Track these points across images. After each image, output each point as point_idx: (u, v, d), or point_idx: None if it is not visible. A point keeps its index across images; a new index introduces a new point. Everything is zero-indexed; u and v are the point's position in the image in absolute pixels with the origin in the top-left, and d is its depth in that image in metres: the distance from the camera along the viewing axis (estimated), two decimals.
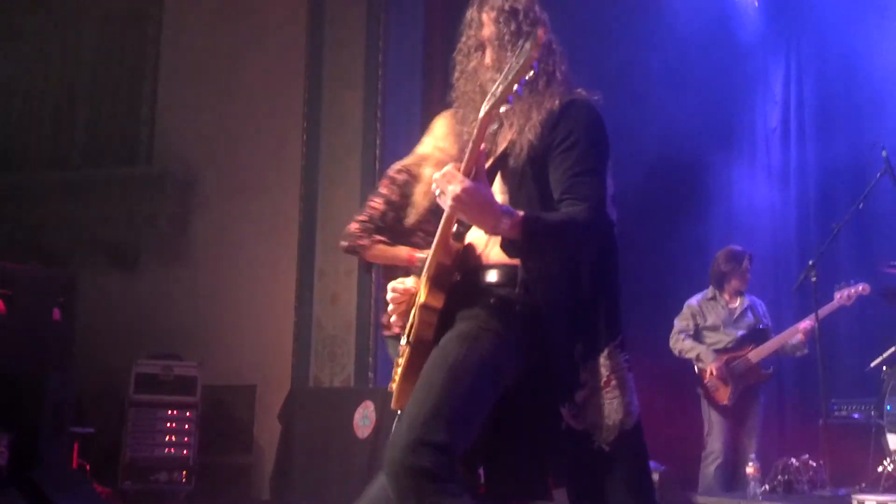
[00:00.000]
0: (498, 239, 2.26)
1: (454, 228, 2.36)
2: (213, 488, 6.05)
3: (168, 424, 6.03)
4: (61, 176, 7.66)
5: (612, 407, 2.24)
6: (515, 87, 2.18)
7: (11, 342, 6.09)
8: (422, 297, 2.33)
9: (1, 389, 5.88)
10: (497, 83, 2.22)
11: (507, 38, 2.43)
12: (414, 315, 2.36)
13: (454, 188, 2.16)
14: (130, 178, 7.52)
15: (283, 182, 6.99)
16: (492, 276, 2.34)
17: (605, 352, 2.26)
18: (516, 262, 2.29)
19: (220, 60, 7.33)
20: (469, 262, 2.39)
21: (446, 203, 2.20)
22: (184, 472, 5.91)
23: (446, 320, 2.33)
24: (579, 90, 2.43)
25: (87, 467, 5.85)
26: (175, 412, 6.05)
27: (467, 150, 2.24)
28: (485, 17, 2.48)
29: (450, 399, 2.16)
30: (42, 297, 6.40)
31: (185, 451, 5.97)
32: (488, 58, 2.45)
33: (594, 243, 2.29)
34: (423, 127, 7.21)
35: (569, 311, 2.27)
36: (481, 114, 2.22)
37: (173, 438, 6.00)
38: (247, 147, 7.16)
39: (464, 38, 2.53)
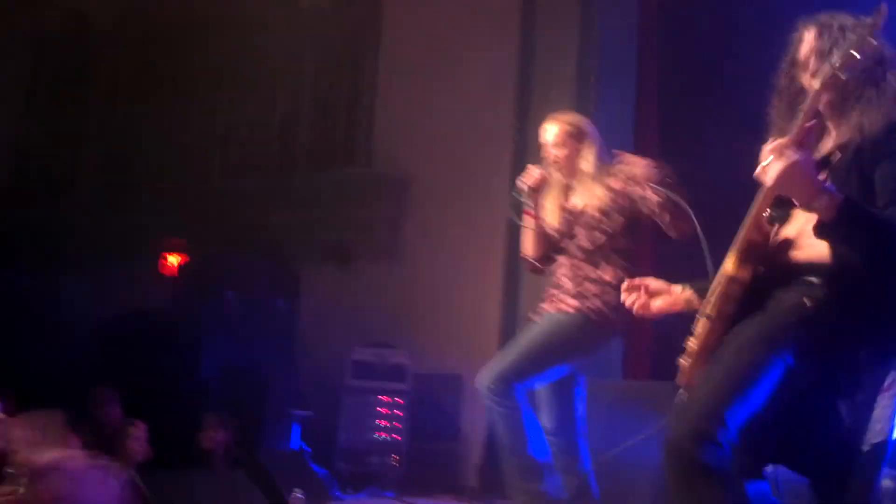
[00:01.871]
0: (812, 240, 2.25)
1: (769, 212, 2.36)
2: (422, 473, 6.19)
3: (380, 410, 6.26)
4: (287, 180, 8.10)
5: (884, 413, 2.26)
6: (854, 55, 2.16)
7: (242, 332, 6.54)
8: (729, 269, 2.35)
9: (232, 376, 6.33)
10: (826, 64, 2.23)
11: (828, 49, 2.40)
12: (716, 287, 2.39)
13: (781, 161, 2.17)
14: (349, 180, 7.85)
15: (493, 182, 7.05)
16: (801, 274, 2.32)
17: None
18: (827, 260, 2.27)
19: (436, 63, 7.51)
20: (779, 255, 2.38)
21: (769, 176, 2.20)
22: (395, 457, 6.10)
23: (747, 308, 2.33)
24: None
25: (307, 450, 6.16)
26: (387, 398, 6.27)
27: (796, 125, 2.26)
28: (806, 34, 2.49)
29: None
30: (269, 290, 6.85)
31: (396, 436, 6.17)
32: (810, 69, 2.44)
33: None
34: (635, 129, 7.16)
35: (868, 313, 2.25)
36: (816, 85, 2.24)
37: (385, 423, 6.22)
38: (460, 150, 7.29)
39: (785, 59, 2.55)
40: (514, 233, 6.95)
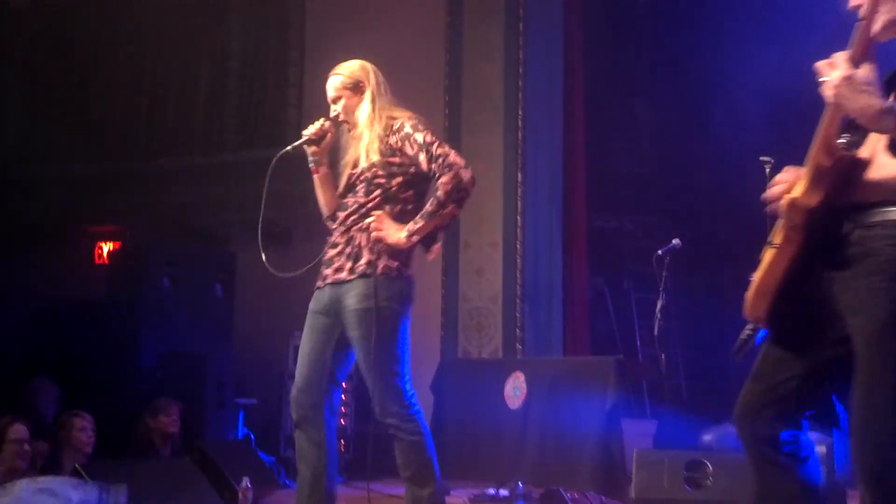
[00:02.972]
0: (888, 160, 2.11)
1: (844, 137, 2.20)
2: (369, 457, 6.23)
3: None
4: (215, 159, 7.99)
5: None
6: None
7: (177, 318, 6.46)
8: (796, 195, 2.21)
9: (170, 363, 6.26)
10: None
11: None
12: (783, 213, 2.25)
13: (835, 75, 2.04)
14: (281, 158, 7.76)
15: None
16: (879, 204, 2.15)
17: None
18: None
19: (362, 35, 7.46)
20: (853, 181, 2.18)
21: (827, 93, 2.07)
22: (341, 442, 6.12)
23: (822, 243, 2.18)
24: None
25: (252, 437, 6.14)
26: None
27: (855, 35, 2.10)
28: None
29: None
30: (205, 274, 6.77)
31: (342, 421, 6.18)
32: None
33: None
34: (564, 98, 7.27)
35: None
36: None
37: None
38: None
39: None
40: None
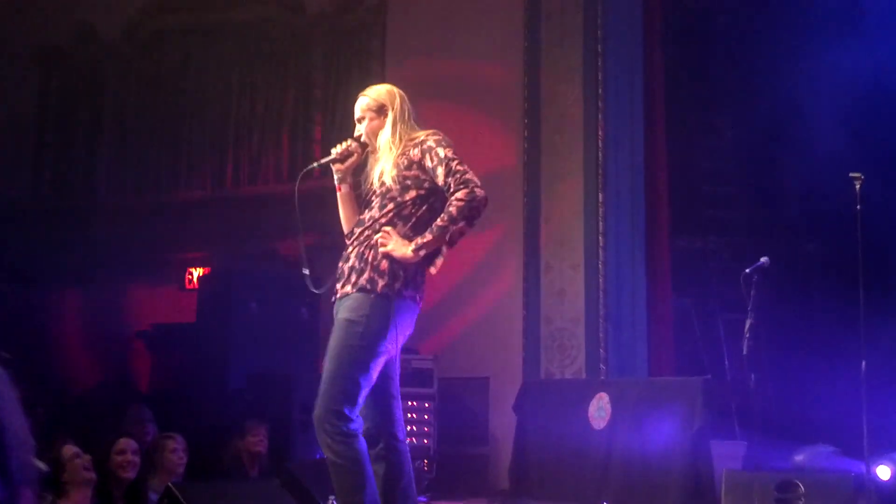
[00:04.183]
0: None
1: None
2: (454, 477, 6.26)
3: (409, 415, 6.31)
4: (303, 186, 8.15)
5: None
6: None
7: (264, 341, 6.60)
8: None
9: (257, 385, 6.38)
10: None
11: None
12: None
13: None
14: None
15: (505, 179, 7.11)
16: None
17: None
18: None
19: (441, 62, 7.56)
20: None
21: None
22: (425, 461, 6.15)
23: None
24: None
25: None
26: (415, 403, 6.32)
27: None
28: None
29: None
30: (291, 298, 6.90)
31: (425, 441, 6.22)
32: None
33: None
34: (645, 118, 7.23)
35: None
36: None
37: (414, 429, 6.26)
38: (468, 145, 7.33)
39: None
40: (530, 230, 7.04)
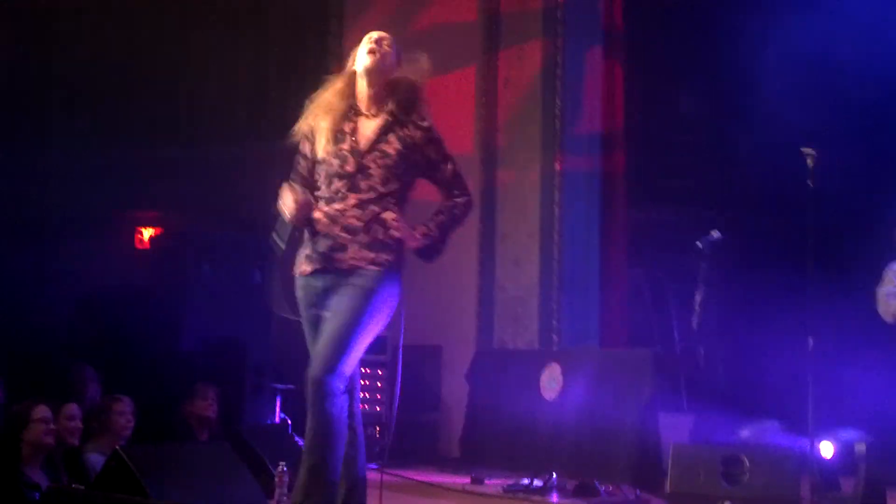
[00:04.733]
0: None
1: None
2: (405, 445, 6.27)
3: (362, 382, 6.30)
4: (256, 147, 8.04)
5: None
6: None
7: (217, 304, 6.53)
8: None
9: (209, 349, 6.33)
10: None
11: None
12: None
13: None
14: None
15: (462, 150, 7.08)
16: None
17: None
18: None
19: (403, 32, 7.48)
20: None
21: None
22: (377, 428, 6.17)
23: None
24: None
25: (289, 422, 6.19)
26: (367, 370, 6.31)
27: None
28: None
29: None
30: (244, 261, 6.82)
31: (377, 408, 6.23)
32: None
33: None
34: (604, 88, 7.22)
35: None
36: None
37: (367, 395, 6.27)
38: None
39: None
40: (487, 200, 7.04)
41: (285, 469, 4.43)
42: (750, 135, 7.23)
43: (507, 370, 5.94)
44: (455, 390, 6.46)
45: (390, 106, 3.43)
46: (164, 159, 8.17)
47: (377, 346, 6.32)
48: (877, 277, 5.39)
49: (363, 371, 6.28)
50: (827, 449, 4.82)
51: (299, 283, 3.46)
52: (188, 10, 8.33)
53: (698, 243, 6.00)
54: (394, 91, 3.45)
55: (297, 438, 5.67)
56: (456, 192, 3.45)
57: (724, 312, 6.84)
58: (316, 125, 3.49)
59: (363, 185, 3.38)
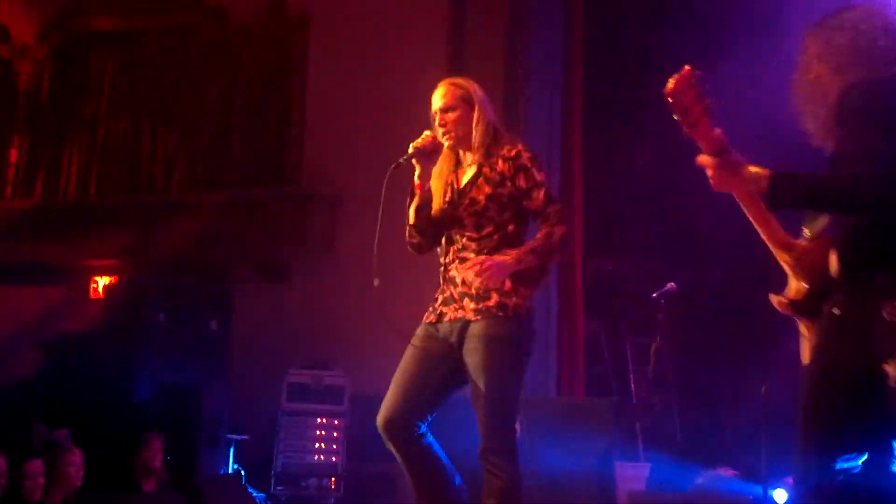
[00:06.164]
0: None
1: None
2: (361, 495, 6.20)
3: (318, 432, 6.24)
4: (218, 196, 8.02)
5: None
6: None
7: (172, 353, 6.46)
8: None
9: (162, 398, 6.24)
10: None
11: None
12: None
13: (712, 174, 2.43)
14: (281, 196, 7.81)
15: None
16: None
17: None
18: None
19: (365, 80, 7.54)
20: None
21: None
22: (332, 479, 6.09)
23: None
24: None
25: (242, 473, 6.11)
26: (325, 420, 6.25)
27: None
28: None
29: None
30: (201, 311, 6.77)
31: (333, 458, 6.16)
32: None
33: None
34: (563, 138, 7.32)
35: None
36: None
37: (323, 446, 6.20)
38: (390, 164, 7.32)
39: None
40: None
41: None
42: (706, 188, 7.34)
43: (465, 418, 5.90)
44: None
45: (477, 155, 3.35)
46: (121, 206, 8.11)
47: (334, 395, 6.34)
48: None
49: (319, 422, 6.24)
50: (780, 496, 4.85)
51: None
52: (151, 52, 8.34)
53: (654, 295, 6.04)
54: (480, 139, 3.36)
55: (250, 489, 5.60)
56: (553, 221, 3.26)
57: (679, 363, 6.89)
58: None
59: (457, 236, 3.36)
